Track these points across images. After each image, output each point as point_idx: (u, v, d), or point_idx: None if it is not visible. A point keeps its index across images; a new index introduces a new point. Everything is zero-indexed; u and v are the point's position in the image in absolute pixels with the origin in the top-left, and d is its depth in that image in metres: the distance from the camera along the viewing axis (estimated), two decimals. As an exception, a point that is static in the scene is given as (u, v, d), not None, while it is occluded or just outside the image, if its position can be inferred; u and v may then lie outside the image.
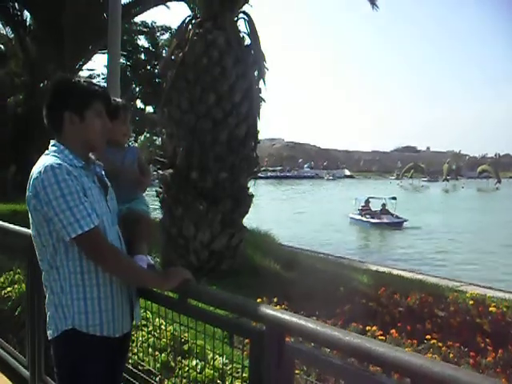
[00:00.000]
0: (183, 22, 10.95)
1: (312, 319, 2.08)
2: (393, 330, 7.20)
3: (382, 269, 14.40)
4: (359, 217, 34.98)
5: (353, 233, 31.64)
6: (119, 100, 2.97)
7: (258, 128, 11.25)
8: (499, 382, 2.66)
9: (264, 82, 11.27)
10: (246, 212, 11.15)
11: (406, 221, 33.58)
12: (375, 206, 35.97)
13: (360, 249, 25.65)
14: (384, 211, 34.71)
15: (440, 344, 6.77)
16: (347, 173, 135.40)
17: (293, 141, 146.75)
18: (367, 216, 34.55)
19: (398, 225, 33.15)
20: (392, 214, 34.48)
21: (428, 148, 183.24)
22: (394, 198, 36.73)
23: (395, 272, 13.90)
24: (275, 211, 40.88)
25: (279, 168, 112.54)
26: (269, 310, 2.11)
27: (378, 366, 1.93)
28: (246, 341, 3.47)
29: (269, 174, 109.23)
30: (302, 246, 18.87)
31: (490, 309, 8.81)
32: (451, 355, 6.46)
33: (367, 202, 36.17)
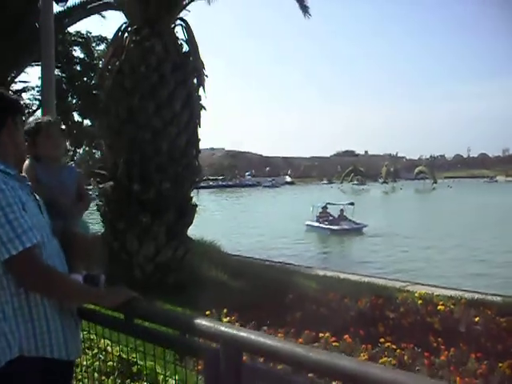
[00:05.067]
0: (119, 29, 10.63)
1: (271, 335, 1.95)
2: (346, 336, 7.12)
3: (329, 273, 14.39)
4: (317, 224, 34.27)
5: (311, 240, 31.09)
6: (42, 118, 2.96)
7: (199, 136, 11.05)
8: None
9: (204, 89, 11.09)
10: (191, 223, 10.91)
11: (366, 226, 33.31)
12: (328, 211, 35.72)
13: (321, 256, 25.66)
14: (342, 217, 34.33)
15: (394, 346, 6.73)
16: (288, 179, 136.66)
17: (233, 149, 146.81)
18: (326, 223, 33.97)
19: (358, 230, 32.91)
20: (350, 220, 34.16)
21: (366, 152, 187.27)
22: (352, 204, 36.58)
23: (342, 276, 13.89)
24: (220, 221, 40.49)
25: (221, 177, 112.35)
26: (223, 328, 1.95)
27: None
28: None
29: (210, 183, 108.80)
30: (252, 255, 18.72)
31: (439, 307, 8.91)
32: (406, 357, 6.43)
33: (325, 208, 35.54)
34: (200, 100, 11.01)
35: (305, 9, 12.50)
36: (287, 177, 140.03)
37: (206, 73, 11.01)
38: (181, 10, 10.92)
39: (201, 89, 11.00)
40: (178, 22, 10.91)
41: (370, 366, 1.60)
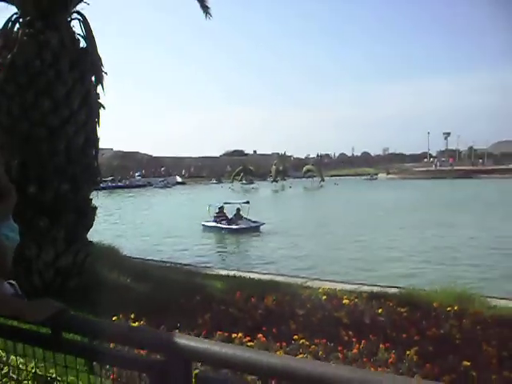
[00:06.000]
0: (9, 19, 9.90)
1: (220, 342, 1.87)
2: (260, 335, 7.14)
3: (231, 273, 14.41)
4: (214, 223, 34.22)
5: (210, 241, 30.97)
6: None
7: (99, 135, 10.63)
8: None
9: (103, 87, 10.66)
10: (91, 225, 10.48)
11: (263, 224, 33.65)
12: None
13: (221, 256, 25.70)
14: (239, 216, 34.44)
15: (308, 343, 6.84)
16: (178, 179, 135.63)
17: (122, 150, 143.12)
18: (223, 222, 34.02)
19: (256, 229, 33.15)
20: (247, 219, 34.35)
21: (255, 151, 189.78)
22: (248, 203, 36.76)
23: (244, 275, 13.97)
24: (115, 223, 39.29)
25: (110, 178, 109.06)
26: (169, 337, 1.82)
27: None
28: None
29: (100, 184, 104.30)
30: (152, 257, 18.36)
31: (344, 301, 9.18)
32: (320, 352, 6.55)
33: (222, 208, 35.47)
34: (99, 98, 10.57)
35: (206, 9, 12.37)
36: (178, 177, 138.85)
37: (104, 70, 10.61)
38: (78, 3, 10.39)
39: (99, 87, 10.59)
40: (75, 15, 10.39)
41: (326, 367, 1.60)
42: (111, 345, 2.42)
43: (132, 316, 7.88)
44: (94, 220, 10.51)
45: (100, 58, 10.61)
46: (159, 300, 9.23)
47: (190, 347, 1.76)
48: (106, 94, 10.73)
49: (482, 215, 38.62)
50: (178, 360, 1.78)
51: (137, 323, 7.64)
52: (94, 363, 2.40)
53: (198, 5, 12.45)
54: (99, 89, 10.59)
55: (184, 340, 1.79)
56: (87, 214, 10.23)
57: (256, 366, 1.64)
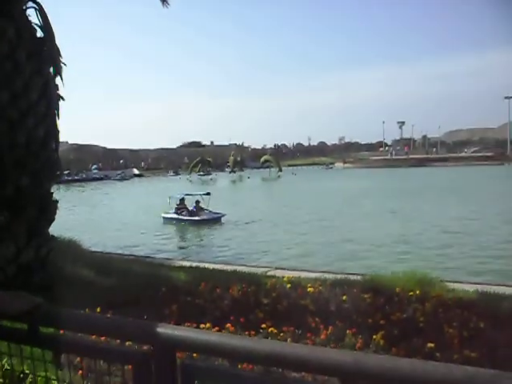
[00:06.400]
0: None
1: (206, 330, 1.89)
2: (228, 325, 7.20)
3: (195, 264, 14.40)
4: (175, 215, 34.05)
5: (171, 232, 30.92)
6: None
7: (59, 128, 10.45)
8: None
9: (61, 78, 10.47)
10: (53, 219, 10.31)
11: (224, 215, 33.67)
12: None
13: (184, 247, 25.69)
14: (199, 207, 34.29)
15: (276, 331, 6.94)
16: (136, 172, 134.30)
17: (77, 142, 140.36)
18: (185, 213, 33.85)
19: (217, 220, 33.14)
20: (208, 210, 34.28)
21: (212, 142, 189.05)
22: (208, 194, 36.68)
23: (208, 266, 13.99)
24: (74, 217, 38.55)
25: (66, 172, 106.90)
26: (153, 327, 1.82)
27: (301, 370, 1.80)
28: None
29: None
30: (114, 251, 18.20)
31: (308, 289, 9.31)
32: (289, 340, 6.65)
33: (182, 199, 35.18)
34: (58, 90, 10.39)
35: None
36: (135, 169, 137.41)
37: (62, 61, 10.43)
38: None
39: (58, 78, 10.40)
40: (31, 4, 10.14)
41: (302, 348, 1.64)
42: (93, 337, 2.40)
43: (98, 310, 7.81)
44: (55, 214, 10.35)
45: (58, 49, 10.42)
46: (124, 293, 9.19)
47: (175, 336, 1.77)
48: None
49: (439, 202, 40.13)
50: (163, 350, 1.79)
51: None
52: (77, 358, 2.37)
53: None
54: (58, 80, 10.42)
55: (169, 329, 1.80)
56: (49, 208, 10.06)
57: (243, 353, 1.66)
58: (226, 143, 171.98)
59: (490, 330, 6.99)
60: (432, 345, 6.41)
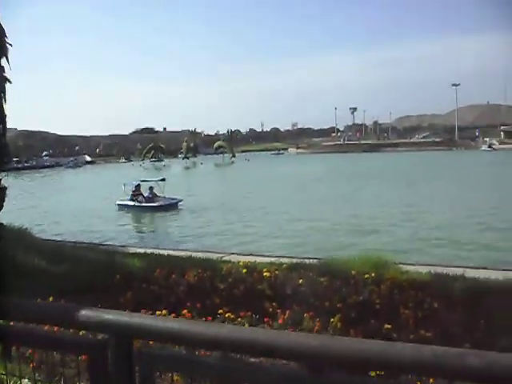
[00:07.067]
0: None
1: (164, 317, 1.84)
2: (184, 311, 7.14)
3: (149, 251, 14.20)
4: (131, 202, 33.39)
5: (126, 219, 30.45)
6: None
7: (6, 112, 10.05)
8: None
9: (8, 60, 10.05)
10: (1, 207, 9.96)
11: (181, 201, 33.40)
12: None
13: (140, 234, 25.45)
14: (154, 194, 33.89)
15: (233, 316, 6.91)
16: (88, 159, 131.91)
17: (27, 129, 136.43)
18: (140, 200, 33.33)
19: (174, 206, 32.82)
20: (164, 196, 33.95)
21: (165, 128, 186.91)
22: (163, 180, 36.30)
23: (163, 252, 13.82)
24: (25, 205, 37.43)
25: (16, 159, 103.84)
26: (109, 315, 1.77)
27: (266, 356, 1.76)
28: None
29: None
30: (66, 239, 17.80)
31: (264, 274, 9.30)
32: (246, 325, 6.63)
33: (138, 186, 34.52)
34: (4, 72, 9.97)
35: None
36: (87, 156, 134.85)
37: (8, 41, 10.00)
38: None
39: (4, 59, 9.98)
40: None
41: (275, 334, 1.63)
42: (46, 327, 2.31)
43: (50, 299, 7.63)
44: (4, 202, 10.00)
45: (3, 29, 9.99)
46: (78, 280, 9.00)
47: (131, 324, 1.73)
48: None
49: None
50: (119, 338, 1.74)
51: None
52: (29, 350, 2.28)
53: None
54: (3, 62, 10.01)
55: (125, 317, 1.76)
56: (-4, 195, 9.72)
57: (206, 340, 1.63)
58: (179, 129, 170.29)
59: (444, 310, 7.14)
60: (389, 326, 6.51)
